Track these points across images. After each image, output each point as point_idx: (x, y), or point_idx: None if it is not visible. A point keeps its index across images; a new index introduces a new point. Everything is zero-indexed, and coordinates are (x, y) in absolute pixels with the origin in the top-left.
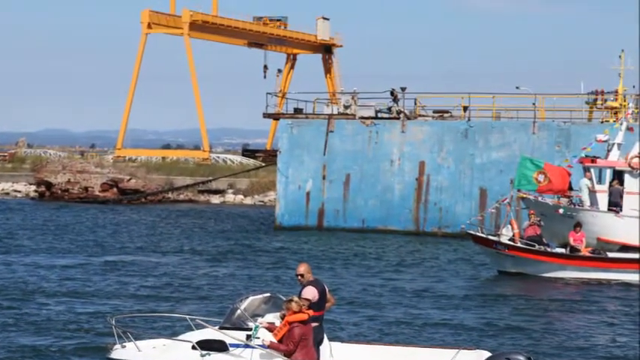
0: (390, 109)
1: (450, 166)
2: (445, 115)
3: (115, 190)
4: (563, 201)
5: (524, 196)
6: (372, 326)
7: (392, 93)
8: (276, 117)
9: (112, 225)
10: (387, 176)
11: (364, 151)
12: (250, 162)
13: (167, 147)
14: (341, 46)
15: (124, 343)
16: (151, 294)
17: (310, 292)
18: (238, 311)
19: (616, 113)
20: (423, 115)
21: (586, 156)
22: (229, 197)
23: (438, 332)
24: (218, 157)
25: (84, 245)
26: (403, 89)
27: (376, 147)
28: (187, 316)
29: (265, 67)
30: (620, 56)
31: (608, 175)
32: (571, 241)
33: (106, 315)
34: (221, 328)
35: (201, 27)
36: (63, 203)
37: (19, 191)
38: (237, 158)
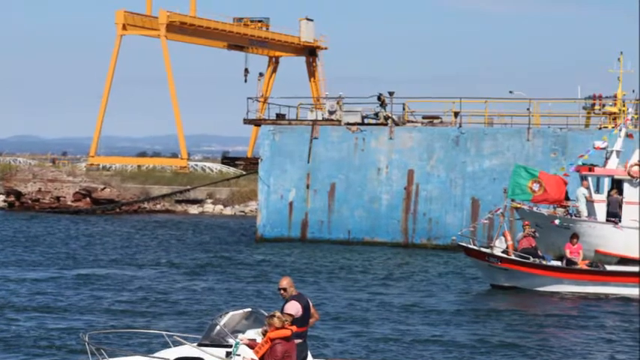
0: (377, 114)
1: (441, 174)
2: (435, 120)
3: (88, 199)
4: (559, 211)
5: (519, 206)
6: (359, 343)
7: (379, 98)
8: (257, 123)
9: (85, 236)
10: (374, 185)
11: (350, 159)
12: (230, 170)
13: (143, 154)
14: (326, 48)
15: None
16: (126, 309)
17: (293, 307)
18: (218, 327)
19: (615, 119)
20: (412, 121)
21: (583, 164)
22: (208, 207)
23: (428, 349)
24: (196, 165)
25: (55, 258)
26: (391, 94)
27: (363, 154)
28: (164, 333)
29: (246, 70)
30: (619, 59)
31: (606, 184)
32: (567, 254)
33: (78, 331)
34: (200, 344)
35: (179, 28)
36: (33, 213)
37: None
38: (217, 166)
